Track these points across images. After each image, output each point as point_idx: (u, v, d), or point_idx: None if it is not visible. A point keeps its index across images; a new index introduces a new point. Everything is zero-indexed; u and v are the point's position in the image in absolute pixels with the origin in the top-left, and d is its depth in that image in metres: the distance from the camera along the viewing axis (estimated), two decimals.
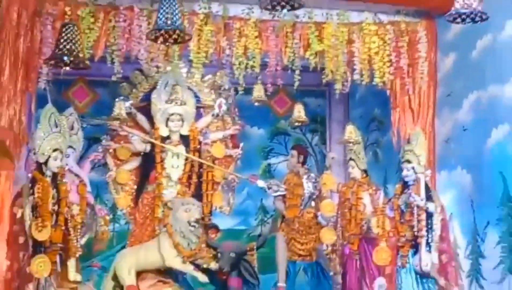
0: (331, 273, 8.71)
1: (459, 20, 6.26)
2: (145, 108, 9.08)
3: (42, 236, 6.89)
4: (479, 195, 7.83)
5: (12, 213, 7.11)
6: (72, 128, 8.09)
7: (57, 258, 7.13)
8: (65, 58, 6.41)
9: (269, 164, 10.85)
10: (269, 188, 9.36)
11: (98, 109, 9.77)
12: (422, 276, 7.56)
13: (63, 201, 7.18)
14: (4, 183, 7.29)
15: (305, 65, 8.21)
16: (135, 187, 9.04)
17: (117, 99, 8.92)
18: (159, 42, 6.45)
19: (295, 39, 8.11)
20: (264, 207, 10.55)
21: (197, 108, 9.19)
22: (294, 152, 9.49)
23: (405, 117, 8.53)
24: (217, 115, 9.22)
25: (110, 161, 8.95)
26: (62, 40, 6.38)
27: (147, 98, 9.10)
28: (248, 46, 8.00)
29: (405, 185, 7.73)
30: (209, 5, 7.94)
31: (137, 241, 8.83)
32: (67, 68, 6.75)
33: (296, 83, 8.13)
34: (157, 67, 8.76)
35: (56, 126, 7.33)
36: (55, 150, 7.16)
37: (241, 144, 9.44)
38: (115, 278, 8.45)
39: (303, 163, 9.42)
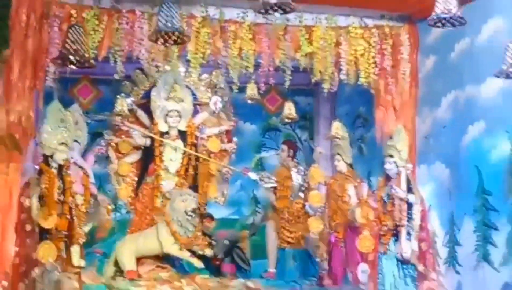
0: (318, 259, 8.71)
1: (439, 24, 6.25)
2: (145, 105, 9.08)
3: (48, 224, 6.88)
4: (456, 188, 7.84)
5: (20, 202, 7.08)
6: (77, 123, 8.07)
7: (62, 245, 7.12)
8: (71, 57, 6.38)
9: (261, 158, 10.85)
10: (260, 180, 9.38)
11: (101, 106, 9.75)
12: (403, 262, 7.57)
13: (68, 191, 7.16)
14: (13, 175, 7.26)
15: (295, 66, 8.20)
16: (136, 178, 9.06)
17: (119, 96, 8.92)
18: (159, 43, 6.42)
19: (286, 41, 8.10)
20: (256, 198, 10.55)
21: (194, 105, 9.20)
22: (285, 147, 9.50)
23: (388, 114, 8.52)
24: (213, 112, 9.24)
25: (112, 154, 8.95)
26: (68, 41, 6.35)
27: (147, 95, 9.10)
28: (242, 48, 7.99)
29: (388, 178, 7.73)
30: (206, 9, 7.91)
31: (137, 229, 8.85)
32: (73, 67, 6.71)
33: (287, 83, 8.12)
34: (157, 66, 8.76)
35: (62, 121, 7.31)
36: (61, 143, 7.14)
37: (235, 139, 9.46)
38: (116, 263, 8.45)
39: (293, 157, 9.44)
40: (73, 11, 7.52)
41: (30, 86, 7.41)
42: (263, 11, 5.79)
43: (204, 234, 8.82)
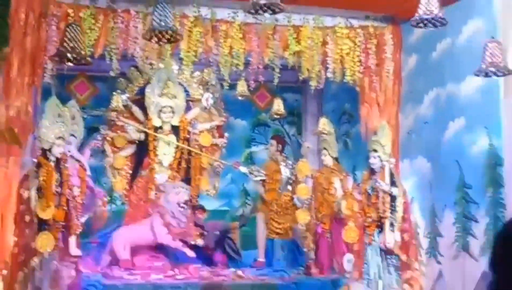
0: (305, 249, 8.73)
1: (421, 25, 6.28)
2: (140, 101, 9.08)
3: (46, 215, 6.87)
4: (437, 181, 7.87)
5: (19, 194, 7.07)
6: (73, 118, 8.07)
7: (60, 235, 7.11)
8: (68, 55, 6.36)
9: (250, 152, 10.86)
10: (250, 174, 9.39)
11: (98, 102, 9.73)
12: (386, 252, 7.58)
13: (65, 183, 7.15)
14: (12, 167, 7.25)
15: (284, 64, 8.20)
16: (130, 171, 9.06)
17: (114, 93, 8.91)
18: (153, 41, 6.42)
19: (275, 40, 8.10)
20: (246, 190, 10.55)
21: (187, 101, 9.21)
22: (273, 142, 9.51)
23: (372, 111, 8.53)
24: (205, 108, 9.24)
25: (107, 148, 8.95)
26: (65, 39, 6.33)
27: (141, 92, 9.10)
28: (233, 46, 7.98)
29: (372, 172, 7.74)
30: (199, 9, 7.90)
31: (131, 220, 8.85)
32: (70, 64, 6.71)
33: (276, 80, 8.12)
34: (151, 64, 8.75)
35: (60, 116, 7.30)
36: (58, 137, 7.13)
37: (226, 134, 9.47)
38: (111, 253, 8.45)
39: (281, 151, 9.45)
40: (70, 11, 7.50)
41: (29, 82, 7.39)
42: (253, 11, 5.80)
43: (196, 225, 8.83)
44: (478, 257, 7.10)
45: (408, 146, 8.45)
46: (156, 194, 8.66)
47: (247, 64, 8.14)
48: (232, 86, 8.81)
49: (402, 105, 8.57)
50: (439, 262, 7.76)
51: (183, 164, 8.98)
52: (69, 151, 7.61)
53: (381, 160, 7.67)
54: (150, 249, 8.62)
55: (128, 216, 8.93)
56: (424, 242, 7.99)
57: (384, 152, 7.69)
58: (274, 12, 5.82)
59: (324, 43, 8.23)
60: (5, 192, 7.17)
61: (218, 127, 9.41)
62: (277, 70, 8.09)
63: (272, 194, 9.21)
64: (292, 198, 9.02)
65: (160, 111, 8.92)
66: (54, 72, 7.49)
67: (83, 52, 6.40)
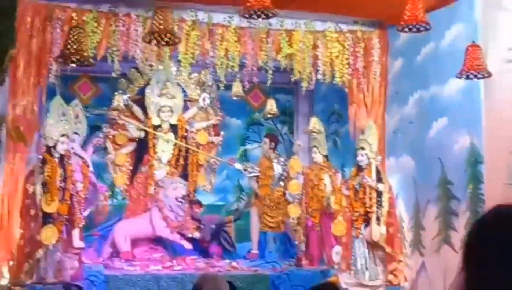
0: (296, 242, 8.73)
1: (407, 30, 6.30)
2: (140, 101, 9.06)
3: (51, 209, 6.87)
4: (421, 178, 7.88)
5: (25, 189, 7.07)
6: (77, 117, 8.06)
7: (63, 228, 7.11)
8: (72, 57, 6.36)
9: (245, 150, 10.84)
10: (245, 170, 9.38)
11: (100, 101, 9.70)
12: (373, 245, 7.61)
13: (69, 179, 7.16)
14: (18, 164, 7.24)
15: (276, 66, 8.20)
16: (131, 168, 9.03)
17: (116, 93, 8.90)
18: (152, 44, 6.43)
19: (268, 43, 8.09)
20: (241, 186, 10.53)
21: (185, 101, 9.19)
22: (267, 140, 9.49)
23: (360, 111, 8.53)
24: (202, 107, 9.23)
25: (109, 145, 8.93)
26: (69, 41, 6.33)
27: (142, 92, 9.08)
28: (228, 49, 7.97)
29: (359, 169, 7.77)
30: (196, 14, 7.89)
31: (132, 214, 8.84)
32: (74, 65, 6.71)
33: (269, 81, 8.12)
34: (151, 65, 8.73)
35: (64, 115, 7.31)
36: (62, 135, 7.14)
37: (222, 132, 9.46)
38: (113, 245, 8.44)
39: (274, 149, 9.43)
40: (74, 14, 7.48)
41: (34, 82, 7.38)
42: (247, 16, 5.80)
43: (193, 218, 8.82)
44: (459, 249, 7.05)
45: (393, 145, 8.46)
46: (155, 189, 8.65)
47: (242, 66, 8.14)
48: (228, 87, 8.82)
49: (388, 106, 8.58)
50: (422, 254, 7.77)
51: (181, 161, 8.97)
52: (72, 148, 7.60)
53: (368, 158, 7.69)
54: (149, 241, 8.61)
55: (128, 210, 8.92)
56: (408, 235, 7.99)
57: (371, 150, 7.72)
58: (267, 17, 5.83)
59: (315, 46, 8.23)
60: (11, 187, 7.17)
61: (214, 125, 9.39)
62: (270, 72, 8.09)
63: (265, 189, 9.20)
64: (284, 194, 9.01)
65: (159, 110, 8.90)
66: (59, 73, 7.48)
67: (86, 54, 6.39)
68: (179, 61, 8.05)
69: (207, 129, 9.32)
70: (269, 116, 9.69)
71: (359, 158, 7.73)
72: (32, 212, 6.94)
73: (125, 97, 8.90)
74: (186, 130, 9.05)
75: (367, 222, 7.63)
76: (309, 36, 8.21)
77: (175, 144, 8.93)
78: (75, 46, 6.25)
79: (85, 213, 7.76)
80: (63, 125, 7.19)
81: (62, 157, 7.14)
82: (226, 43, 7.97)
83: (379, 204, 7.59)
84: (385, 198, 7.60)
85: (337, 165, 9.12)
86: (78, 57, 6.33)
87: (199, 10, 7.89)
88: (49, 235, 6.81)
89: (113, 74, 7.84)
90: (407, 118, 8.23)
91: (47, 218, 6.88)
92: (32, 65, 7.35)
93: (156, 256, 8.33)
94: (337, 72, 8.28)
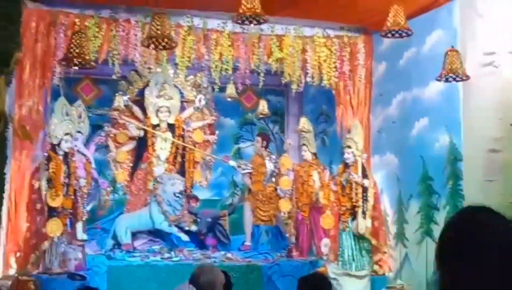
0: (287, 235, 8.75)
1: (390, 35, 6.32)
2: (140, 102, 9.05)
3: (55, 203, 6.87)
4: (403, 174, 7.88)
5: (31, 184, 7.07)
6: (80, 116, 8.05)
7: (67, 221, 7.11)
8: (75, 60, 6.36)
9: (239, 148, 10.85)
10: (238, 167, 9.39)
11: (101, 102, 9.69)
12: (359, 237, 7.63)
13: (72, 175, 7.16)
14: (24, 161, 7.24)
15: (268, 69, 8.20)
16: (131, 164, 9.03)
17: (116, 94, 8.89)
18: (151, 48, 6.42)
19: (260, 48, 8.10)
20: (235, 182, 10.53)
21: (182, 102, 9.19)
22: (259, 138, 9.50)
23: (347, 112, 8.55)
24: (198, 108, 9.23)
25: (111, 143, 8.92)
26: (72, 46, 6.31)
27: (141, 93, 9.07)
28: (222, 53, 7.98)
29: (346, 166, 7.77)
30: (192, 20, 7.90)
31: (132, 208, 8.83)
32: (76, 68, 6.70)
33: (261, 84, 8.12)
34: (149, 68, 8.72)
35: (67, 115, 7.30)
36: (66, 134, 7.14)
37: (217, 132, 9.46)
38: (114, 237, 8.44)
39: (266, 147, 9.44)
40: (76, 20, 7.49)
41: (39, 84, 7.38)
42: (240, 22, 5.81)
43: (190, 212, 8.82)
44: None
45: (378, 143, 8.47)
46: (154, 185, 8.65)
47: (235, 69, 8.15)
48: (222, 89, 8.83)
49: (372, 107, 8.59)
50: (405, 246, 7.77)
51: (179, 158, 8.97)
52: (76, 146, 7.60)
53: (354, 155, 7.71)
54: (149, 233, 8.61)
55: (129, 204, 8.92)
56: (392, 228, 8.00)
57: (357, 148, 7.73)
58: (258, 23, 5.83)
59: (304, 51, 8.24)
60: (18, 183, 7.17)
61: (209, 125, 9.40)
62: (262, 74, 8.09)
63: (258, 185, 9.21)
64: (275, 189, 9.02)
65: (158, 110, 8.90)
66: (62, 75, 7.48)
67: (88, 58, 6.39)
68: (176, 64, 8.05)
69: (203, 128, 9.32)
70: (261, 116, 9.71)
71: (345, 155, 7.74)
72: (38, 206, 6.94)
73: (125, 98, 8.90)
74: (183, 129, 9.05)
75: (353, 216, 7.64)
76: (298, 41, 8.22)
77: (173, 143, 8.94)
78: (77, 50, 6.25)
79: (88, 207, 7.76)
80: (67, 125, 7.19)
81: (66, 155, 7.14)
82: (220, 47, 7.98)
83: (365, 199, 7.60)
84: (370, 193, 7.61)
85: (325, 162, 9.14)
86: (80, 60, 6.33)
87: (195, 16, 7.90)
88: (54, 228, 6.82)
89: (114, 77, 7.85)
90: (391, 118, 8.24)
91: (52, 212, 6.88)
92: (37, 68, 7.35)
93: (155, 248, 8.33)
94: (325, 75, 8.30)
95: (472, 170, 6.62)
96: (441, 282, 1.62)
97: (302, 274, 5.26)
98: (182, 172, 8.93)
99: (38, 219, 6.95)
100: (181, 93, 9.20)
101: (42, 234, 6.85)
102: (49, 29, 7.39)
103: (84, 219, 7.49)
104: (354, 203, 7.61)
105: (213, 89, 8.88)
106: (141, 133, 8.95)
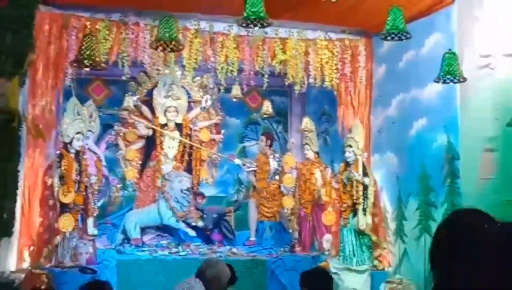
0: (290, 230, 8.75)
1: (389, 38, 6.31)
2: (148, 102, 9.06)
3: (67, 199, 6.89)
4: (403, 173, 7.87)
5: (44, 181, 7.09)
6: (91, 116, 8.07)
7: (79, 217, 7.13)
8: (86, 61, 6.37)
9: (244, 147, 10.85)
10: (243, 165, 9.40)
11: (112, 102, 9.70)
12: (359, 233, 7.63)
13: (84, 172, 7.17)
14: (38, 158, 7.26)
15: (272, 71, 8.20)
16: (140, 162, 9.04)
17: (126, 94, 8.90)
18: (159, 50, 6.43)
19: (264, 50, 8.10)
20: (240, 179, 10.53)
21: (189, 102, 9.19)
22: (263, 138, 9.50)
23: (348, 112, 8.55)
24: (204, 108, 9.23)
25: (120, 142, 8.94)
26: (83, 48, 6.33)
27: (150, 94, 9.08)
28: (228, 55, 7.97)
29: (347, 164, 7.77)
30: (198, 23, 7.90)
31: (141, 204, 8.84)
32: (87, 69, 6.71)
33: (265, 85, 8.12)
34: (158, 70, 8.74)
35: (79, 114, 7.31)
36: (78, 133, 7.15)
37: (222, 131, 9.47)
38: (124, 232, 8.46)
39: (270, 146, 9.43)
40: (87, 23, 7.49)
41: (52, 85, 7.40)
42: (245, 25, 5.80)
43: (196, 208, 8.83)
44: None
45: (378, 142, 8.47)
46: (162, 182, 8.66)
47: (240, 70, 8.15)
48: (228, 90, 8.83)
49: (373, 107, 8.58)
50: (404, 242, 7.76)
51: (186, 157, 8.98)
52: (87, 145, 7.62)
53: (355, 154, 7.70)
54: (157, 229, 8.62)
55: (138, 201, 8.93)
56: (392, 225, 7.99)
57: (358, 147, 7.72)
58: (263, 26, 5.83)
59: (306, 53, 8.24)
60: (32, 180, 7.18)
61: (215, 124, 9.40)
62: (266, 76, 8.09)
63: (262, 183, 9.21)
64: (279, 186, 9.02)
65: (166, 110, 8.90)
66: (74, 76, 7.49)
67: (98, 59, 6.40)
68: (183, 66, 8.06)
69: (209, 128, 9.33)
70: (265, 116, 9.70)
71: (347, 154, 7.73)
72: (51, 202, 6.96)
73: (134, 98, 8.90)
74: (190, 129, 9.06)
75: (354, 212, 7.63)
76: (301, 44, 8.21)
77: (180, 141, 8.94)
78: (88, 52, 6.26)
79: (99, 204, 7.77)
80: (78, 124, 7.20)
81: (77, 153, 7.15)
82: (226, 49, 7.97)
83: (365, 197, 7.59)
84: (370, 191, 7.60)
85: (327, 161, 9.13)
86: (91, 62, 6.34)
87: (201, 19, 7.90)
88: (66, 223, 6.83)
89: (124, 78, 7.85)
90: (390, 118, 8.23)
91: (64, 208, 6.90)
92: (50, 69, 7.36)
93: (163, 243, 8.35)
94: (327, 76, 8.29)
95: (469, 169, 6.61)
96: (435, 281, 1.66)
97: (304, 268, 5.25)
98: (189, 169, 8.93)
99: (50, 214, 6.97)
100: (188, 93, 9.20)
101: (55, 229, 6.87)
102: (61, 32, 7.40)
103: (95, 214, 7.50)
104: (355, 200, 7.60)
105: (219, 90, 8.87)
106: (150, 132, 8.96)
